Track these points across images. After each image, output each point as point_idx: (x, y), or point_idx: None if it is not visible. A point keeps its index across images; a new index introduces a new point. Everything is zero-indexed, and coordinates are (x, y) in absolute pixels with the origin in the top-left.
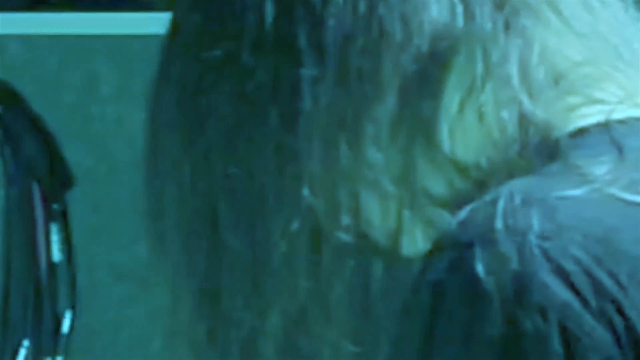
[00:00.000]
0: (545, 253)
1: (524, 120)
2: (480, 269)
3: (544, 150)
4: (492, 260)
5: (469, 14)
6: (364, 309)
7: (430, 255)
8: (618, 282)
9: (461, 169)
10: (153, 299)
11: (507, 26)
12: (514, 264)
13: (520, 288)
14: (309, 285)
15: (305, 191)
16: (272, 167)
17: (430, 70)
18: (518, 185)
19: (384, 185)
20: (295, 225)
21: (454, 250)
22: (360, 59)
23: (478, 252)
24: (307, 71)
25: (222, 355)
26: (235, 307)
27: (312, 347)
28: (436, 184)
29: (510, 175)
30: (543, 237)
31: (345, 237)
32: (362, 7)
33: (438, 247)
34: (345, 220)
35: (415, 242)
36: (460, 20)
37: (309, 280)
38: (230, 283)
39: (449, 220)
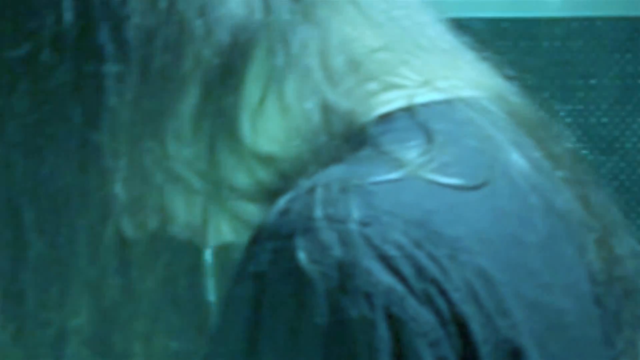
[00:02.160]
0: (367, 239)
1: (327, 109)
2: (302, 258)
3: (351, 138)
4: (314, 249)
5: (267, 6)
6: (177, 303)
7: (251, 246)
8: (439, 265)
9: (265, 161)
10: None
11: (305, 17)
12: (336, 252)
13: (344, 276)
14: (118, 282)
15: (111, 188)
16: (76, 165)
17: (232, 63)
18: (333, 173)
19: (189, 180)
20: (102, 222)
21: (275, 241)
22: (162, 55)
23: (299, 241)
24: (110, 68)
25: (31, 357)
26: (43, 307)
27: (125, 344)
28: (240, 177)
29: (320, 164)
30: (363, 223)
31: (153, 231)
32: (162, 2)
33: (258, 238)
34: (151, 216)
35: (221, 235)
36: (258, 13)
37: (119, 276)
38: (36, 283)
39: (264, 212)
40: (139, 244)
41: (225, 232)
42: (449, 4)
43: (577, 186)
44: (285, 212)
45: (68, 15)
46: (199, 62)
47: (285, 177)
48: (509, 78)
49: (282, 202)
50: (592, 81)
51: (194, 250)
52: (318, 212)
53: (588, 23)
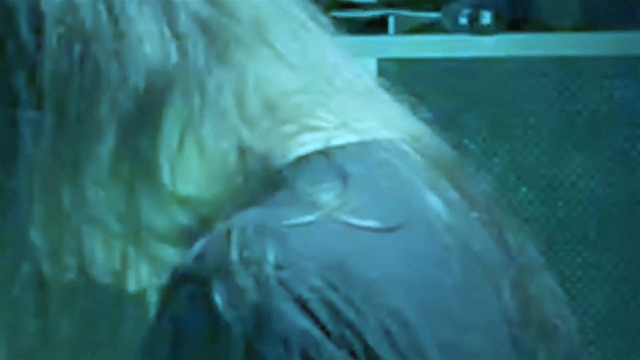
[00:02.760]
0: (282, 283)
1: (243, 151)
2: (219, 302)
3: (266, 180)
4: (230, 293)
5: (182, 50)
6: (93, 347)
7: (168, 290)
8: (354, 307)
9: (184, 203)
10: None
11: (220, 60)
12: (252, 296)
13: (260, 319)
14: (36, 326)
15: (28, 233)
16: None
17: (148, 107)
18: (248, 216)
19: (107, 223)
20: (20, 266)
21: (191, 285)
22: (78, 100)
23: (216, 285)
24: (25, 113)
25: None
26: None
27: None
28: (159, 220)
29: (236, 207)
30: (278, 266)
31: (70, 276)
32: (76, 48)
33: (175, 282)
34: (70, 260)
35: (141, 278)
36: (174, 57)
37: (36, 320)
38: None
39: (182, 255)
40: (57, 288)
41: (144, 275)
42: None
43: (493, 227)
44: (201, 255)
45: None
46: (115, 107)
47: (204, 219)
48: (424, 119)
49: (198, 245)
50: (531, 120)
51: (114, 294)
52: (234, 256)
53: (525, 62)
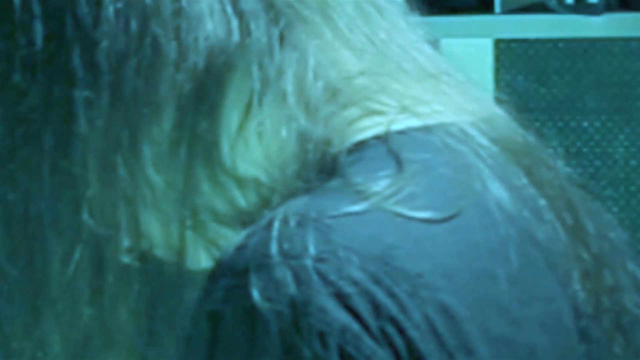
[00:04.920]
0: (322, 276)
1: (302, 137)
2: (255, 296)
3: (323, 167)
4: (267, 286)
5: (244, 29)
6: (150, 335)
7: (207, 283)
8: (398, 302)
9: (243, 185)
10: None
11: (282, 40)
12: (290, 289)
13: (298, 314)
14: (91, 312)
15: (84, 215)
16: (48, 192)
17: (207, 87)
18: (293, 207)
19: (165, 206)
20: (75, 250)
21: (229, 278)
22: (135, 79)
23: (253, 278)
24: (81, 93)
25: None
26: (15, 336)
27: None
28: (218, 202)
29: (290, 195)
30: (318, 259)
31: (127, 260)
32: (134, 25)
33: (215, 275)
34: (126, 244)
35: (199, 262)
36: (236, 35)
37: (92, 306)
38: (8, 312)
39: (227, 246)
40: (114, 273)
41: (203, 259)
42: (496, 24)
43: (567, 214)
44: (241, 247)
45: (39, 38)
46: (173, 87)
47: (264, 205)
48: (501, 102)
49: (240, 237)
50: None
51: (171, 279)
52: (273, 248)
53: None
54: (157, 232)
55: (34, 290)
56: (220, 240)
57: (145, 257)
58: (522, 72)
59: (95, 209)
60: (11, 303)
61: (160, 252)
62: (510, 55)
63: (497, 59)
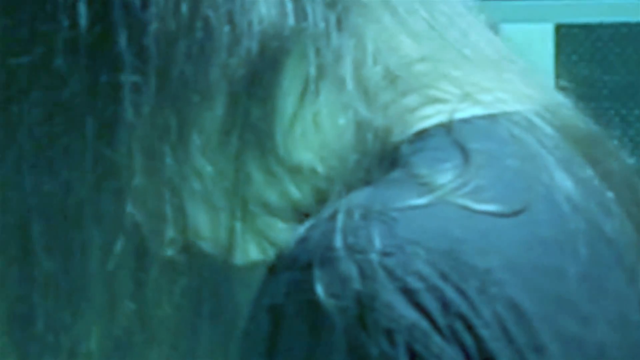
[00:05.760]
0: (388, 271)
1: (361, 126)
2: (319, 291)
3: (384, 157)
4: (332, 281)
5: (300, 12)
6: (195, 331)
7: (267, 277)
8: (467, 298)
9: (297, 175)
10: None
11: (339, 25)
12: (356, 285)
13: (364, 310)
14: (134, 307)
15: (128, 206)
16: (90, 181)
17: (261, 73)
18: (357, 198)
19: (214, 197)
20: (117, 242)
21: (291, 272)
22: (185, 64)
23: (317, 273)
24: (127, 78)
25: None
26: (52, 331)
27: None
28: (270, 193)
29: (350, 185)
30: (384, 253)
31: (172, 253)
32: (185, 7)
33: (275, 268)
34: (172, 235)
35: (248, 255)
36: (291, 19)
37: (134, 300)
38: (45, 306)
39: (287, 239)
40: (158, 266)
41: (252, 252)
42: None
43: (633, 207)
44: (304, 240)
45: (83, 19)
46: (225, 72)
47: (317, 195)
48: (563, 89)
49: (302, 229)
50: None
51: (218, 272)
52: (338, 241)
53: None
54: (204, 223)
55: (73, 284)
56: (271, 233)
57: (191, 250)
58: (584, 58)
59: (140, 199)
60: (49, 297)
61: (207, 245)
62: (571, 41)
63: (558, 44)
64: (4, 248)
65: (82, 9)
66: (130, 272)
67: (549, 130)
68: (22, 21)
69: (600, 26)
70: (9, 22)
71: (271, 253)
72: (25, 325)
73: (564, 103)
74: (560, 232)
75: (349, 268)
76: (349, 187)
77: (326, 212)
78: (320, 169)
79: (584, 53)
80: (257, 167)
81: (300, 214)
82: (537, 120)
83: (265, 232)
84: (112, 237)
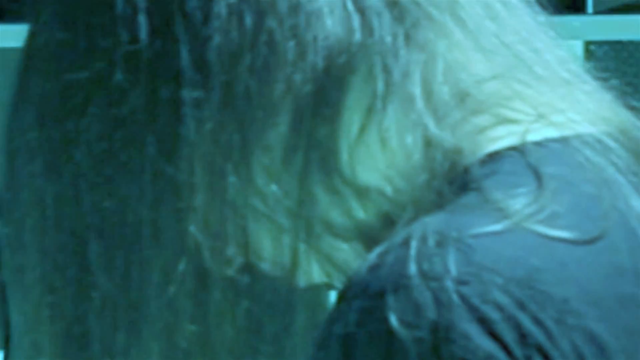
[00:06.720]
0: (465, 299)
1: (430, 145)
2: (393, 319)
3: (454, 178)
4: (406, 309)
5: (366, 27)
6: (257, 354)
7: (337, 304)
8: (544, 329)
9: (363, 196)
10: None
11: (408, 40)
12: (431, 313)
13: (439, 340)
14: (193, 329)
15: (188, 225)
16: (149, 200)
17: (327, 89)
18: (431, 224)
19: (277, 216)
20: (177, 262)
21: (363, 300)
22: (249, 79)
23: (390, 300)
24: (189, 93)
25: None
26: (108, 353)
27: None
28: (335, 214)
29: (419, 207)
30: (461, 281)
31: (234, 274)
32: (249, 20)
33: (346, 295)
34: (234, 256)
35: (311, 277)
36: (357, 34)
37: (194, 323)
38: (101, 327)
39: (356, 259)
40: (219, 287)
41: (316, 274)
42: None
43: None
44: (376, 266)
45: (144, 34)
46: (290, 88)
47: (384, 217)
48: (634, 110)
49: (373, 255)
50: None
51: (281, 294)
52: (412, 268)
53: None
54: (267, 244)
55: (132, 306)
56: (335, 255)
57: (253, 271)
58: (613, 75)
59: (201, 218)
60: (107, 319)
61: (269, 266)
62: (601, 58)
63: (587, 61)
64: (62, 268)
65: (142, 22)
66: (191, 293)
67: (622, 153)
68: (83, 36)
69: (632, 43)
70: (70, 36)
71: (335, 276)
72: (83, 348)
73: (636, 124)
74: (638, 260)
75: (424, 296)
76: (419, 210)
77: (398, 238)
78: (387, 190)
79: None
80: (321, 186)
81: (365, 236)
82: (611, 143)
83: (330, 253)
84: (172, 257)
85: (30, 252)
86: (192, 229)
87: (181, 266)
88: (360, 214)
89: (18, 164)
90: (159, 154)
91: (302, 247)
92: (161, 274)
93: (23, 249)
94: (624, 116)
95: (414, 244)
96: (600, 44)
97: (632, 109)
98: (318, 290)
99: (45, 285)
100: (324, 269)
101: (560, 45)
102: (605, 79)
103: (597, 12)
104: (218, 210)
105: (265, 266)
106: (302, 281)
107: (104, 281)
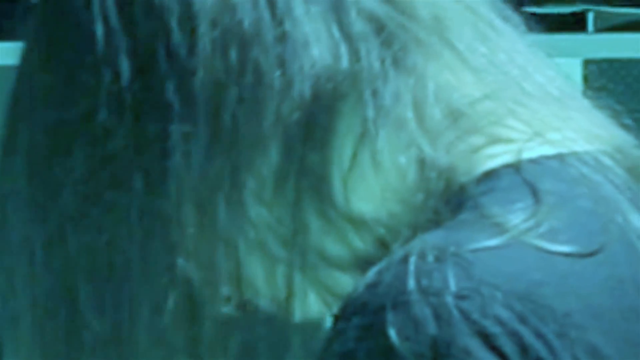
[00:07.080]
0: (464, 314)
1: (425, 166)
2: (393, 335)
3: (450, 197)
4: (406, 325)
5: (354, 53)
6: None
7: (336, 323)
8: (546, 343)
9: (358, 224)
10: None
11: (396, 64)
12: (431, 329)
13: (440, 355)
14: None
15: (178, 260)
16: (138, 236)
17: (316, 117)
18: (428, 240)
19: (270, 247)
20: (168, 299)
21: (363, 316)
22: (237, 110)
23: (390, 316)
24: (177, 128)
25: None
26: None
27: None
28: (330, 243)
29: (415, 228)
30: (460, 296)
31: (227, 308)
32: (234, 53)
33: (345, 313)
34: (227, 289)
35: (308, 310)
36: (344, 61)
37: (188, 356)
38: None
39: (354, 284)
40: (212, 321)
41: (313, 306)
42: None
43: None
44: (374, 284)
45: (129, 72)
46: (279, 117)
47: (380, 243)
48: (627, 128)
49: (372, 273)
50: None
51: (276, 327)
52: (411, 284)
53: None
54: (260, 277)
55: (123, 343)
56: (334, 285)
57: (246, 305)
58: (612, 94)
59: (191, 253)
60: (98, 357)
61: (264, 300)
62: (599, 77)
63: (586, 80)
64: (52, 309)
65: (125, 60)
66: (183, 330)
67: (619, 170)
68: (68, 77)
69: (631, 61)
70: (55, 77)
71: (335, 305)
72: None
73: (631, 142)
74: (638, 273)
75: (423, 311)
76: (416, 229)
77: (397, 255)
78: (382, 214)
79: (612, 88)
80: (314, 214)
81: (362, 264)
82: (607, 161)
83: (327, 283)
84: (164, 295)
85: (22, 299)
86: (184, 264)
87: (172, 302)
88: (356, 242)
89: (4, 210)
90: (147, 191)
91: (297, 276)
92: (152, 311)
93: (14, 297)
94: (618, 134)
95: (412, 260)
96: (598, 62)
97: (626, 127)
98: (314, 324)
99: (36, 329)
100: (323, 300)
101: (550, 65)
102: (600, 98)
103: (598, 30)
104: (209, 244)
105: (262, 301)
106: (298, 314)
107: (96, 322)
